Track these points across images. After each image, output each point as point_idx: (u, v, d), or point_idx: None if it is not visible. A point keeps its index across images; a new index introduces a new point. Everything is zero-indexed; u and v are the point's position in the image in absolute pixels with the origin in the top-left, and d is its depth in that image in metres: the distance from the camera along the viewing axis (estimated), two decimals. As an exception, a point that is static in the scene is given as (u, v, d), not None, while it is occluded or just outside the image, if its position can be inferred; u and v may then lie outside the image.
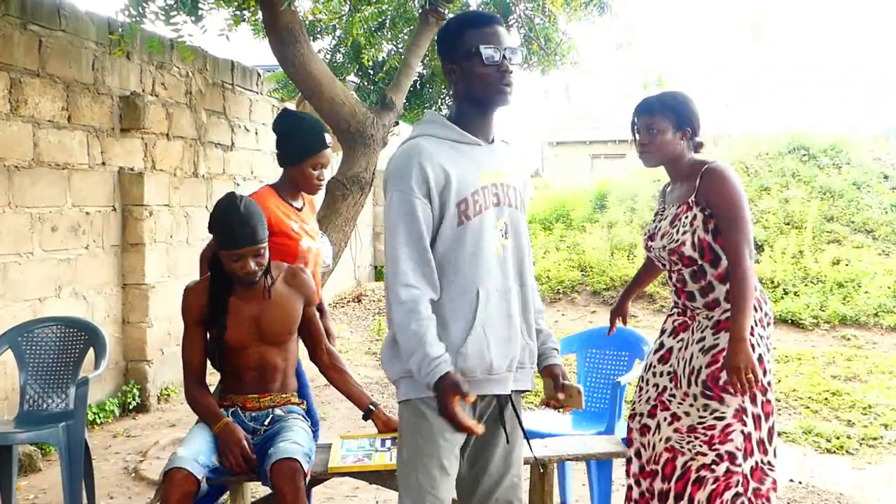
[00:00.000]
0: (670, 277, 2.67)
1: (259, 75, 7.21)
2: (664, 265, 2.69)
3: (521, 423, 2.11)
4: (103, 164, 5.13)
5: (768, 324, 2.52)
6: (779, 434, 4.71)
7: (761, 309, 2.50)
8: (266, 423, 2.64)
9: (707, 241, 2.47)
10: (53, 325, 3.69)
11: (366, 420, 2.75)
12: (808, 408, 5.31)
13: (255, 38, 5.55)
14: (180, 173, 5.95)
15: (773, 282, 8.78)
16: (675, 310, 2.69)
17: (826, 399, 5.46)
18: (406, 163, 1.90)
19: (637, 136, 2.65)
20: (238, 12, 4.75)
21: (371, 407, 2.73)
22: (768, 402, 2.49)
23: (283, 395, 2.70)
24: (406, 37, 5.53)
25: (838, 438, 4.59)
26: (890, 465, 4.25)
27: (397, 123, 4.88)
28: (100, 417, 5.00)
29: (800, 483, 3.98)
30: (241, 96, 6.89)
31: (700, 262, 2.49)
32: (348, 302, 9.55)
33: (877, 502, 3.76)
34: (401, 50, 5.66)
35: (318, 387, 6.01)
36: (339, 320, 8.67)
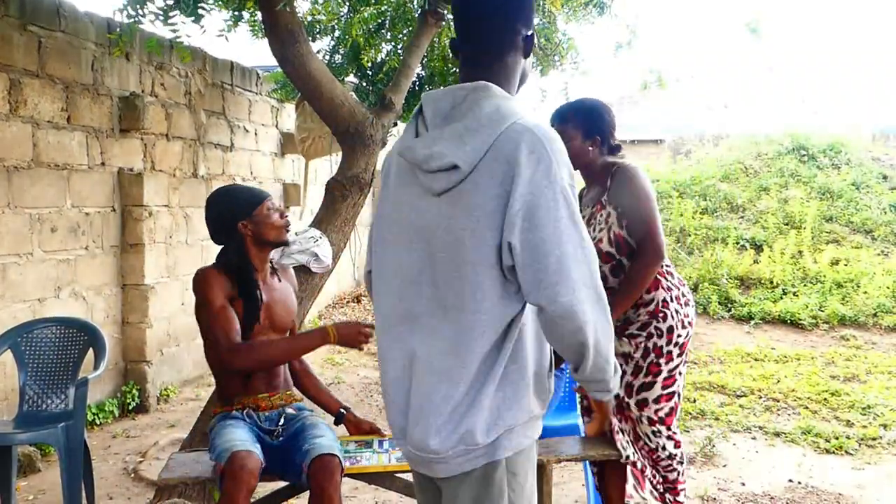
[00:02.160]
0: None
1: (258, 76, 7.21)
2: None
3: None
4: (103, 164, 5.13)
5: (686, 303, 2.69)
6: (778, 434, 4.75)
7: (679, 289, 2.69)
8: (280, 422, 2.64)
9: (623, 237, 2.61)
10: (53, 326, 3.69)
11: (337, 424, 2.81)
12: (807, 408, 5.31)
13: (254, 39, 5.55)
14: (180, 174, 5.95)
15: (772, 282, 8.79)
16: None
17: (825, 399, 5.46)
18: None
19: None
20: (237, 13, 4.74)
21: (342, 410, 2.80)
22: (671, 377, 2.65)
23: (289, 393, 2.74)
24: (405, 37, 5.53)
25: (837, 438, 4.60)
26: (889, 465, 4.26)
27: (396, 124, 4.87)
28: (99, 418, 5.00)
29: (799, 483, 3.99)
30: (240, 97, 6.89)
31: (618, 256, 2.63)
32: (348, 302, 9.55)
33: (876, 502, 3.77)
34: (400, 51, 5.66)
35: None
36: (338, 320, 8.67)
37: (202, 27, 3.87)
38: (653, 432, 2.66)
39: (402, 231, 1.62)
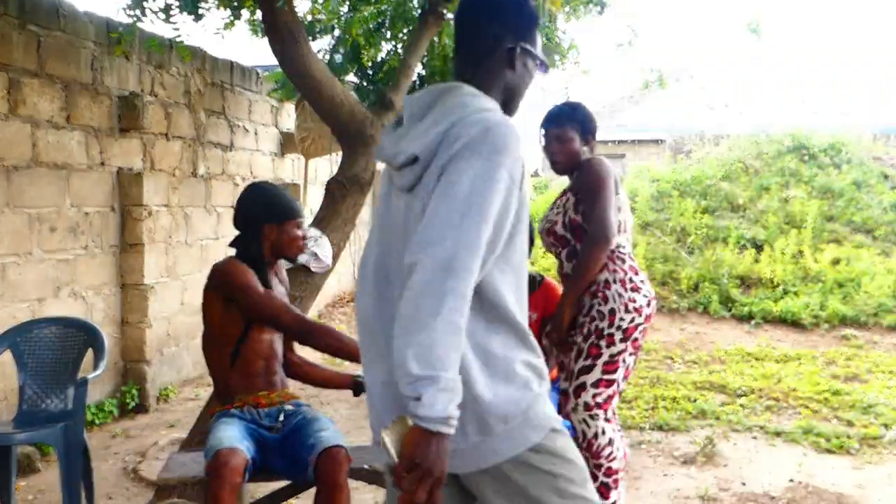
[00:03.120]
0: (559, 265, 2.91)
1: (258, 75, 7.20)
2: (550, 251, 2.95)
3: None
4: (102, 164, 5.12)
5: (634, 289, 2.71)
6: (779, 434, 4.74)
7: (627, 273, 2.73)
8: (280, 419, 2.64)
9: (577, 222, 2.72)
10: (52, 326, 3.68)
11: (357, 395, 2.85)
12: (807, 407, 5.30)
13: (253, 38, 5.54)
14: (179, 173, 5.94)
15: (772, 281, 8.78)
16: None
17: (826, 399, 5.46)
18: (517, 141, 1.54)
19: (547, 145, 2.89)
20: (236, 11, 4.74)
21: (356, 378, 2.80)
22: (613, 362, 2.68)
23: (286, 391, 2.75)
24: (405, 37, 5.52)
25: (838, 438, 4.59)
26: (890, 465, 4.25)
27: (396, 123, 4.87)
28: (99, 418, 4.99)
29: (800, 483, 3.98)
30: (240, 96, 6.88)
31: (572, 241, 2.74)
32: (348, 302, 9.54)
33: (877, 502, 3.76)
34: (400, 50, 5.65)
35: (318, 387, 6.01)
36: (338, 320, 8.67)
37: (203, 26, 3.87)
38: (590, 416, 2.67)
39: (380, 231, 1.64)
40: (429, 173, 1.50)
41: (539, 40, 1.73)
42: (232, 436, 2.41)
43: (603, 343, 2.66)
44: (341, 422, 5.17)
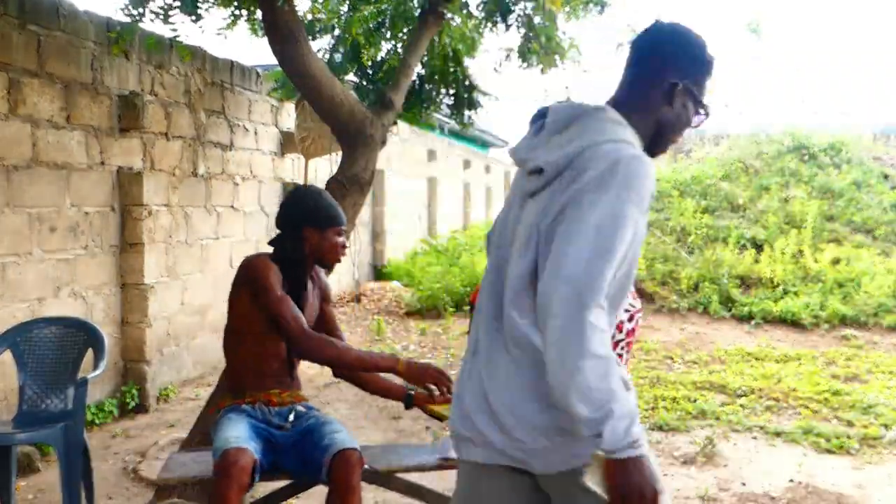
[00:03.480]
0: None
1: (258, 75, 7.20)
2: None
3: None
4: (102, 163, 5.12)
5: None
6: (779, 434, 4.74)
7: None
8: (290, 419, 2.64)
9: None
10: (52, 326, 3.68)
11: (409, 408, 2.79)
12: (807, 408, 5.30)
13: (254, 38, 5.54)
14: (179, 173, 5.94)
15: (772, 281, 8.79)
16: None
17: (826, 399, 5.46)
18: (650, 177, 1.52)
19: None
20: (237, 11, 4.74)
21: (410, 392, 2.76)
22: None
23: (299, 393, 2.76)
24: (405, 36, 5.52)
25: (838, 438, 4.59)
26: (890, 465, 4.25)
27: (395, 123, 4.86)
28: (99, 418, 4.99)
29: (799, 483, 3.98)
30: (240, 96, 6.88)
31: None
32: (348, 302, 9.55)
33: (877, 502, 3.76)
34: (400, 50, 5.65)
35: (318, 387, 6.01)
36: (337, 320, 8.65)
37: (201, 26, 3.86)
38: None
39: (502, 229, 1.68)
40: (550, 190, 1.53)
41: (706, 91, 1.70)
42: (240, 435, 2.40)
43: None
44: (341, 422, 5.16)
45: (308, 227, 2.67)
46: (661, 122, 1.67)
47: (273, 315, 2.55)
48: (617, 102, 1.66)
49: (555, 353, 1.37)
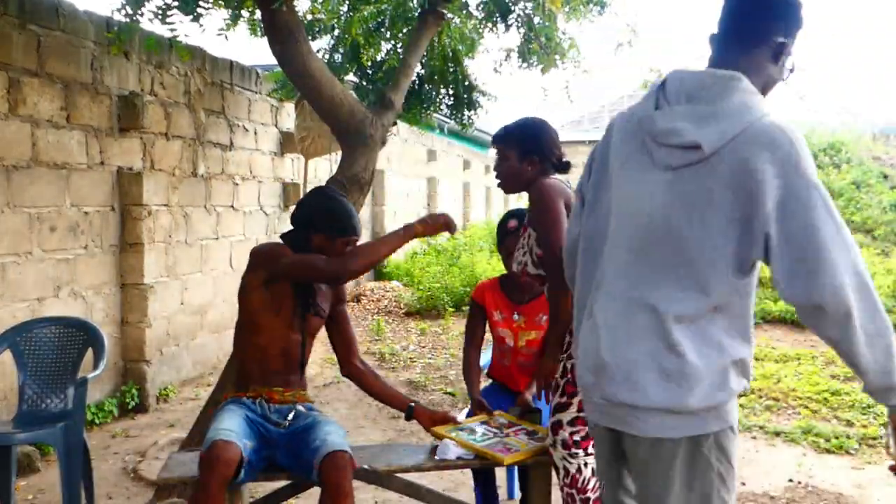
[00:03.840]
0: None
1: (258, 75, 7.20)
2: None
3: None
4: (102, 163, 5.12)
5: None
6: (778, 433, 4.74)
7: None
8: (289, 417, 2.64)
9: (543, 255, 2.51)
10: (52, 326, 3.68)
11: (409, 419, 2.83)
12: (807, 407, 5.31)
13: (254, 38, 5.54)
14: (179, 173, 5.94)
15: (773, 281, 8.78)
16: None
17: (825, 399, 5.46)
18: None
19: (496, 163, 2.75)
20: (236, 11, 4.73)
21: (412, 405, 2.80)
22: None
23: (302, 393, 2.75)
24: (405, 36, 5.52)
25: (837, 438, 4.59)
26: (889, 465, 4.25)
27: (396, 123, 4.86)
28: (98, 418, 5.00)
29: (799, 483, 3.98)
30: (239, 96, 6.88)
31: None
32: (347, 302, 9.54)
33: (876, 502, 3.76)
34: (399, 49, 5.65)
35: (318, 387, 6.02)
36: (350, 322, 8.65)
37: (201, 26, 3.85)
38: (569, 455, 2.47)
39: (621, 200, 1.67)
40: (709, 166, 1.54)
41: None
42: (231, 428, 2.40)
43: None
44: (341, 421, 5.16)
45: (317, 232, 2.65)
46: (768, 82, 1.68)
47: (296, 273, 2.58)
48: (726, 64, 1.64)
49: (871, 327, 1.49)
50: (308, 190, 7.62)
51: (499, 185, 2.73)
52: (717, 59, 1.68)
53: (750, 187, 1.51)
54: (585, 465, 2.49)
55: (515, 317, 3.18)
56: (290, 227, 2.75)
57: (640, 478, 1.71)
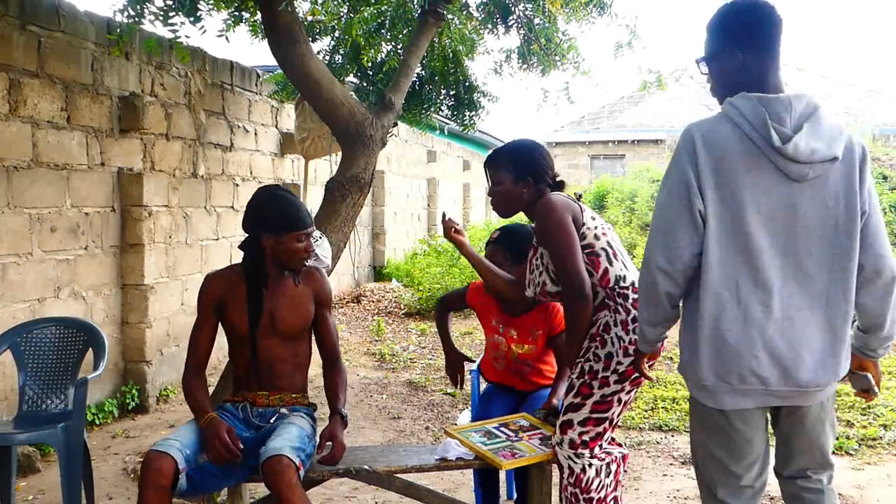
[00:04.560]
0: None
1: (258, 76, 7.21)
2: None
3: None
4: (102, 164, 5.13)
5: (635, 330, 2.43)
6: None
7: (631, 312, 2.48)
8: (271, 420, 2.66)
9: (558, 271, 2.51)
10: (52, 326, 3.68)
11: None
12: (807, 408, 5.30)
13: (254, 39, 5.55)
14: (179, 174, 5.95)
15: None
16: None
17: (825, 399, 5.45)
18: None
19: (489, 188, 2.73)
20: (237, 13, 4.74)
21: (340, 414, 2.68)
22: (605, 402, 2.49)
23: (293, 395, 2.74)
24: (405, 37, 5.53)
25: (837, 439, 4.59)
26: (889, 466, 4.25)
27: (396, 124, 4.86)
28: (99, 418, 5.00)
29: (799, 483, 3.98)
30: (240, 97, 6.89)
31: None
32: (347, 302, 9.55)
33: (876, 502, 3.76)
34: (400, 51, 5.66)
35: (318, 387, 6.02)
36: (338, 321, 8.67)
37: (201, 27, 3.86)
38: (575, 455, 2.49)
39: (760, 211, 1.91)
40: (838, 172, 1.93)
41: None
42: (175, 439, 2.43)
43: (595, 384, 2.47)
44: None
45: (263, 233, 2.62)
46: None
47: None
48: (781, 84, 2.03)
49: None
50: (307, 191, 7.65)
51: (494, 209, 2.72)
52: (778, 82, 2.01)
53: (854, 181, 1.94)
54: (590, 465, 2.51)
55: (512, 332, 3.09)
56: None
57: (805, 434, 2.08)
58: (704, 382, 1.98)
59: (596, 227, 2.53)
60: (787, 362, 1.92)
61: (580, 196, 2.71)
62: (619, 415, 2.54)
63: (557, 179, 2.68)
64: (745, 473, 2.07)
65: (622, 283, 2.51)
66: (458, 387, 3.31)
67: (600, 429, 2.50)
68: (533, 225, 2.60)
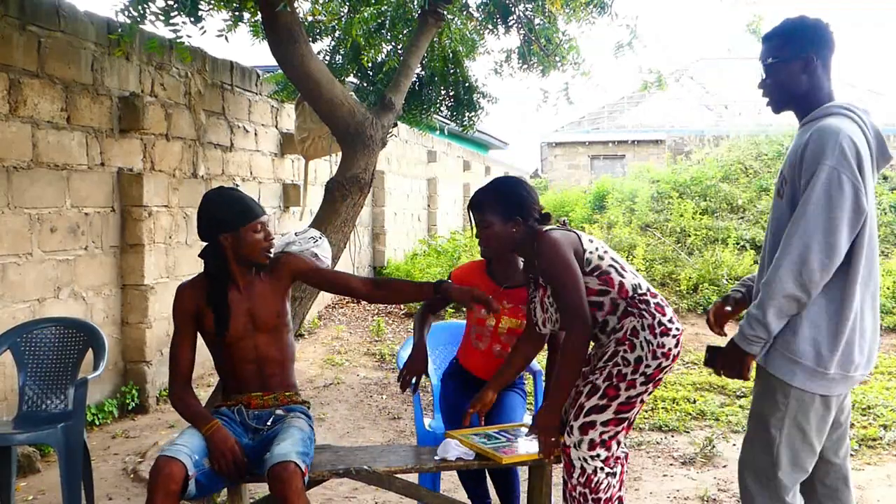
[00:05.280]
0: None
1: (258, 76, 7.21)
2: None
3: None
4: (102, 164, 5.13)
5: (663, 333, 2.52)
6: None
7: (655, 317, 2.53)
8: (268, 422, 2.66)
9: (564, 309, 2.52)
10: (52, 326, 3.68)
11: (437, 293, 2.65)
12: (807, 408, 5.30)
13: (255, 40, 5.54)
14: (179, 174, 5.95)
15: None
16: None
17: (825, 400, 5.45)
18: None
19: (475, 229, 2.71)
20: (237, 13, 4.74)
21: (440, 281, 2.69)
22: (630, 403, 2.52)
23: (286, 394, 2.73)
24: (405, 38, 5.53)
25: (837, 439, 4.59)
26: (889, 466, 4.25)
27: (396, 124, 4.86)
28: (98, 418, 5.00)
29: (799, 484, 3.98)
30: (240, 97, 6.89)
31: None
32: (347, 303, 9.55)
33: (876, 502, 3.76)
34: (400, 51, 5.66)
35: (318, 388, 6.02)
36: (337, 321, 8.67)
37: (202, 28, 3.86)
38: (591, 456, 2.50)
39: (872, 210, 2.10)
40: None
41: None
42: (182, 444, 2.44)
43: (623, 385, 2.49)
44: (341, 422, 5.18)
45: (221, 233, 2.60)
46: None
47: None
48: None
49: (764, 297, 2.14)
50: (307, 191, 7.64)
51: (484, 253, 2.71)
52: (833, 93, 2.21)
53: None
54: (602, 468, 2.52)
55: (505, 304, 3.04)
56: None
57: (845, 418, 2.29)
58: (828, 371, 2.09)
59: (596, 249, 2.58)
60: (872, 354, 2.15)
61: (565, 222, 2.72)
62: (636, 414, 2.60)
63: (543, 213, 2.69)
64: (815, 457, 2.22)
65: (640, 291, 2.56)
66: (412, 391, 3.04)
67: (620, 428, 2.54)
68: (538, 263, 2.58)
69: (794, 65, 2.19)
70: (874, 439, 4.63)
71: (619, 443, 2.56)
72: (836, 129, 2.06)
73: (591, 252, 2.56)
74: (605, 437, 2.51)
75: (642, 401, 2.57)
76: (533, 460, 2.67)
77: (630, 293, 2.54)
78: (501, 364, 3.01)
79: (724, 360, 2.25)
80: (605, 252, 2.60)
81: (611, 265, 2.56)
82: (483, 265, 3.15)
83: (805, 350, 2.09)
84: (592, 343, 2.66)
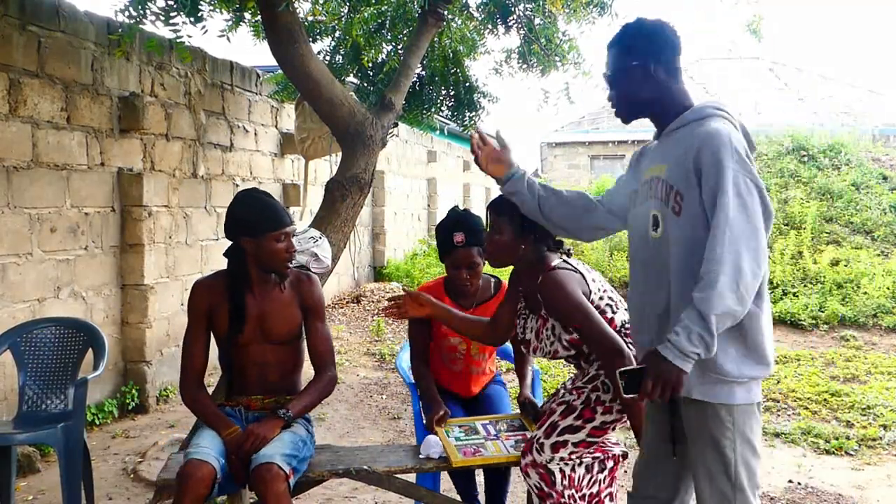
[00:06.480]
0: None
1: (258, 76, 7.21)
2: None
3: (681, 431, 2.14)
4: (102, 164, 5.13)
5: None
6: (778, 435, 4.74)
7: (633, 349, 2.48)
8: None
9: (575, 338, 2.50)
10: (52, 326, 3.68)
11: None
12: (807, 409, 5.31)
13: (255, 40, 5.54)
14: (179, 174, 5.95)
15: (772, 282, 8.79)
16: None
17: (825, 400, 5.46)
18: None
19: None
20: (238, 14, 4.74)
21: (278, 414, 2.63)
22: (603, 429, 2.50)
23: (287, 398, 2.72)
24: (405, 38, 5.53)
25: (837, 439, 4.60)
26: (889, 466, 4.26)
27: (396, 124, 4.86)
28: (98, 418, 5.00)
29: (799, 484, 3.98)
30: (240, 97, 6.89)
31: (579, 349, 2.53)
32: (347, 303, 9.55)
33: (876, 502, 3.76)
34: (400, 51, 5.66)
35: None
36: (337, 321, 8.67)
37: (203, 28, 3.86)
38: (561, 458, 2.50)
39: None
40: None
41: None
42: (207, 445, 2.43)
43: (600, 410, 2.46)
44: (341, 422, 5.18)
45: (244, 236, 2.61)
46: None
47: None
48: None
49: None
50: (307, 191, 7.64)
51: (487, 257, 2.65)
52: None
53: None
54: (580, 463, 2.51)
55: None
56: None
57: None
58: (758, 376, 2.03)
59: (599, 290, 2.55)
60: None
61: (570, 252, 2.66)
62: (605, 440, 2.54)
63: (557, 240, 2.62)
64: None
65: (626, 326, 2.52)
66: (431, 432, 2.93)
67: (588, 450, 2.51)
68: (542, 299, 2.52)
69: (633, 73, 2.08)
70: (874, 439, 4.63)
71: (581, 464, 2.52)
72: (725, 132, 1.95)
73: (594, 293, 2.53)
74: (574, 456, 2.50)
75: (615, 428, 2.54)
76: (496, 463, 2.69)
77: (618, 327, 2.52)
78: (478, 376, 3.11)
79: (659, 382, 1.91)
80: (605, 291, 2.58)
81: (608, 304, 2.54)
82: (441, 285, 3.12)
83: (733, 369, 1.98)
84: (575, 370, 2.65)
